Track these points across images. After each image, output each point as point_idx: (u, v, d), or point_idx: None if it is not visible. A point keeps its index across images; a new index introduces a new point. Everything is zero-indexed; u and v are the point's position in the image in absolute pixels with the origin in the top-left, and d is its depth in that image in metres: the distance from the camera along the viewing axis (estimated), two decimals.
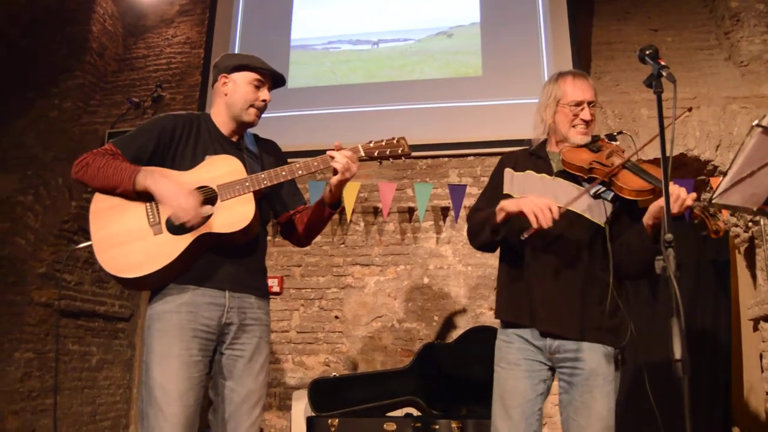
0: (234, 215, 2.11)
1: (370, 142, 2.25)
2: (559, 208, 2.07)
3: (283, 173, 2.17)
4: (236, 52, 5.21)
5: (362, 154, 2.21)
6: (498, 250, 2.42)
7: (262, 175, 2.16)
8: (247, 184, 2.14)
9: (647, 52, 1.94)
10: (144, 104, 5.33)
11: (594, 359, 2.15)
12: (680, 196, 1.97)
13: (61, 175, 5.04)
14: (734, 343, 4.77)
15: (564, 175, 2.27)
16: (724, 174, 1.99)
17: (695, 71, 4.63)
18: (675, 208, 1.97)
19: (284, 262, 4.69)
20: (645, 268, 2.13)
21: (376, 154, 2.22)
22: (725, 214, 4.46)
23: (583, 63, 4.68)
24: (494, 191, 2.39)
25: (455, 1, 5.09)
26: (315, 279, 4.64)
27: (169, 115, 2.35)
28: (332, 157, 2.16)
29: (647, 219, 2.08)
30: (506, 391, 2.24)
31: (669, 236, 1.73)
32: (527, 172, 2.34)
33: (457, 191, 4.30)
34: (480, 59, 4.83)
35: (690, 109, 2.41)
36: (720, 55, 4.68)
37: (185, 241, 2.08)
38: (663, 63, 1.91)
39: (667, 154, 1.78)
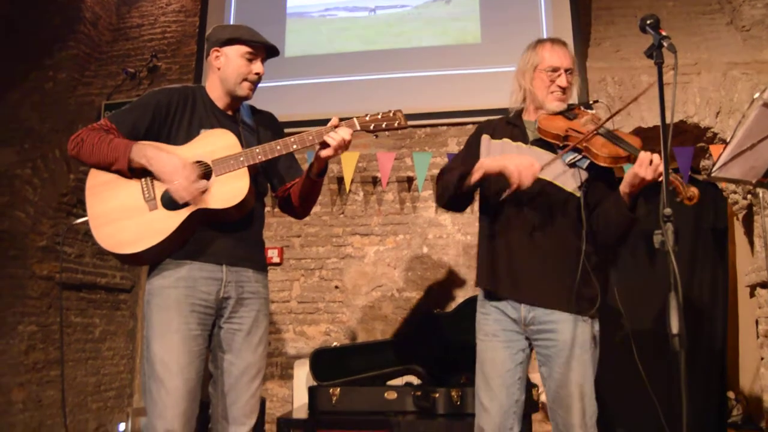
0: (228, 191, 2.11)
1: (366, 115, 2.22)
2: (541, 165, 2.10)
3: (278, 147, 2.17)
4: (231, 20, 5.14)
5: (357, 127, 2.20)
6: (477, 220, 2.44)
7: (257, 150, 2.16)
8: (242, 158, 2.14)
9: (648, 22, 1.92)
10: (140, 74, 5.26)
11: (568, 330, 2.18)
12: (653, 161, 1.97)
13: (59, 147, 5.00)
14: (731, 308, 4.81)
15: (540, 143, 2.28)
16: (725, 145, 1.99)
17: (696, 36, 4.57)
18: (649, 175, 1.97)
19: (284, 233, 4.69)
20: (622, 237, 2.19)
21: (371, 127, 2.21)
22: (724, 183, 4.46)
23: (582, 28, 4.62)
24: (469, 155, 2.40)
25: None
26: (315, 249, 4.66)
27: (165, 89, 2.34)
28: (333, 130, 2.15)
29: (624, 187, 2.09)
30: (486, 362, 2.29)
31: (668, 210, 1.73)
32: (504, 139, 2.35)
33: None
34: (479, 26, 4.76)
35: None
36: (722, 19, 4.61)
37: (180, 216, 2.10)
38: (664, 33, 1.89)
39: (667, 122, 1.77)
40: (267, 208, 2.46)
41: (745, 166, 1.95)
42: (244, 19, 5.00)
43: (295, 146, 2.18)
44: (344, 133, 2.15)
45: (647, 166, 1.98)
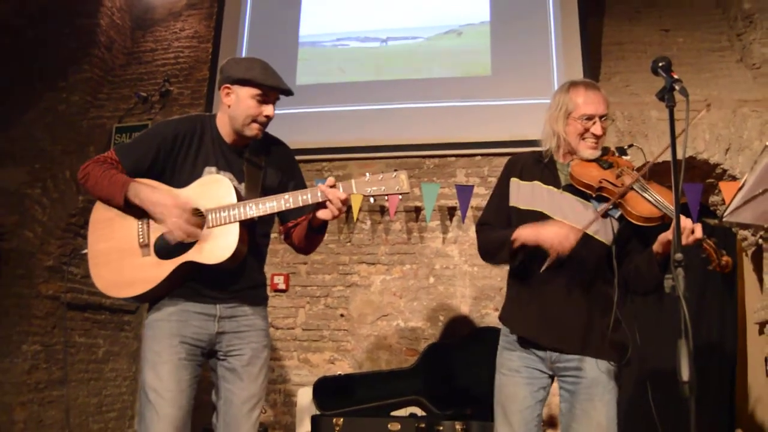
0: (217, 245, 2.11)
1: (366, 175, 2.14)
2: (579, 230, 2.09)
3: (271, 204, 2.13)
4: (244, 47, 5.19)
5: (354, 191, 2.12)
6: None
7: (250, 205, 2.13)
8: (234, 212, 2.12)
9: (660, 65, 1.91)
10: (151, 98, 5.32)
11: (595, 369, 2.19)
12: (686, 227, 1.96)
13: (69, 168, 5.05)
14: (740, 346, 4.76)
15: (571, 188, 2.26)
16: (737, 190, 1.99)
17: (706, 73, 4.58)
18: (683, 241, 1.95)
19: (290, 260, 4.69)
20: (653, 290, 2.17)
21: (369, 191, 2.12)
22: None
23: (593, 63, 4.64)
24: (501, 203, 2.39)
25: None
26: (321, 277, 4.65)
27: (173, 120, 2.34)
28: (327, 197, 2.09)
29: (656, 248, 2.09)
30: (506, 397, 2.29)
31: (679, 256, 1.72)
32: (534, 182, 2.33)
33: (465, 191, 4.29)
34: (489, 58, 4.80)
35: (708, 106, 2.38)
36: (732, 56, 4.64)
37: (169, 267, 2.13)
38: (676, 76, 1.88)
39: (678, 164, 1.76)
40: (274, 235, 2.46)
41: (757, 210, 1.94)
42: (257, 47, 5.06)
43: (288, 204, 2.14)
44: (341, 195, 2.08)
45: (688, 234, 1.96)
